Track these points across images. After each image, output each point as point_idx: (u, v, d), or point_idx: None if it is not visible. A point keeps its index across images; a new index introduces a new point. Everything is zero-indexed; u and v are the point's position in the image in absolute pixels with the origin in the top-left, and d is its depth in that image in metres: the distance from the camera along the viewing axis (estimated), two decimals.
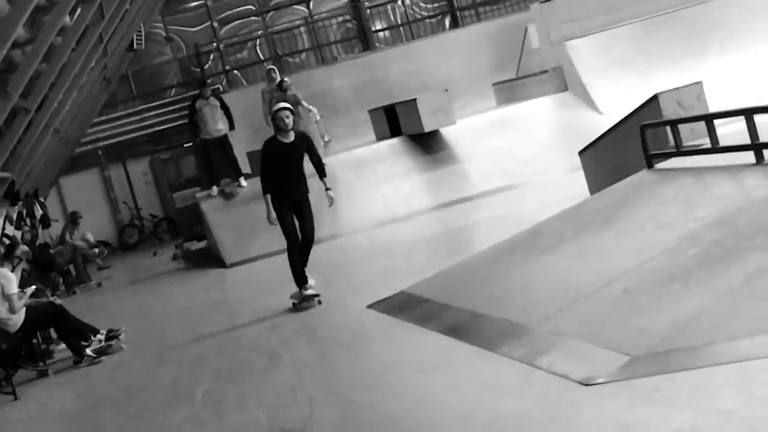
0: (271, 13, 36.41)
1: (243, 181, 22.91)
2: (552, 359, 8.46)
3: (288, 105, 13.91)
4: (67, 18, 18.31)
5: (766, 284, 7.99)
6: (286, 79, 24.97)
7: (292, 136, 13.71)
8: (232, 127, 23.05)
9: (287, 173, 13.70)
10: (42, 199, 26.79)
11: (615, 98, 22.62)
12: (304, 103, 24.26)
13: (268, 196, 13.69)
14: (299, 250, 13.90)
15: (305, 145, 13.92)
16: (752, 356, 7.10)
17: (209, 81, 24.38)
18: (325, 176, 14.13)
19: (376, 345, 10.90)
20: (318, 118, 24.86)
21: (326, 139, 25.14)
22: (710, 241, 9.19)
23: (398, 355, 10.30)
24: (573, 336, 8.75)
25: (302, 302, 13.72)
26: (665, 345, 7.81)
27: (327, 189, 14.07)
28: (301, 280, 13.81)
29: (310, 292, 13.74)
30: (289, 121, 13.58)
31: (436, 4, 36.59)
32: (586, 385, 7.69)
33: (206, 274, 21.48)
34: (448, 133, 23.89)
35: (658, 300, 8.62)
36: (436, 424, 7.90)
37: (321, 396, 9.44)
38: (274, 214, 13.65)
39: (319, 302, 13.73)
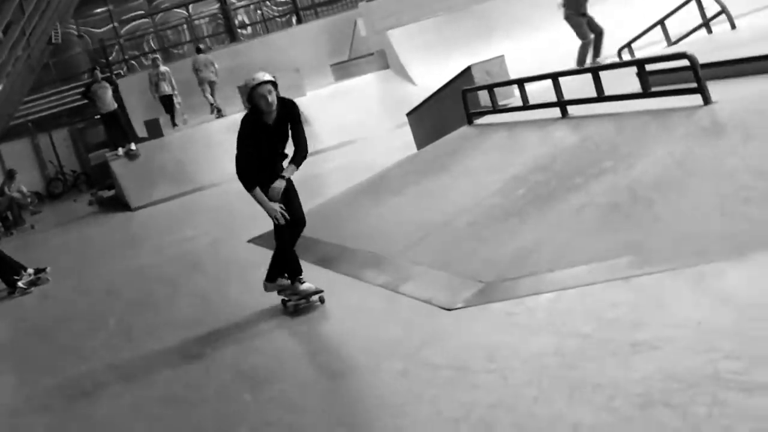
0: (159, 14, 34.80)
1: (133, 146, 21.40)
2: (413, 287, 7.18)
3: (270, 77, 7.21)
4: None
5: (591, 218, 6.84)
6: (201, 45, 25.04)
7: (275, 115, 7.25)
8: (117, 101, 21.79)
9: (272, 158, 7.40)
10: None
11: (425, 73, 22.35)
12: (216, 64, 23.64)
13: (258, 193, 7.29)
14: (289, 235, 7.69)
15: (290, 116, 7.35)
16: (592, 281, 5.94)
17: (96, 68, 22.79)
18: (298, 166, 7.39)
19: (260, 275, 9.45)
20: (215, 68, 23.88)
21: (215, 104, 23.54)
22: (535, 183, 8.01)
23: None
24: (429, 266, 7.48)
25: (301, 300, 7.58)
26: (512, 273, 6.60)
27: (282, 177, 7.32)
28: (295, 271, 7.71)
29: (308, 286, 7.61)
30: (273, 98, 7.13)
31: (284, 7, 35.36)
32: (448, 309, 6.43)
33: (116, 217, 19.77)
34: (300, 102, 22.38)
35: (498, 233, 7.41)
36: (319, 349, 6.57)
37: (219, 324, 7.99)
38: (276, 205, 7.32)
39: (322, 300, 7.57)
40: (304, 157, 7.39)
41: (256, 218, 9.90)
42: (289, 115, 7.34)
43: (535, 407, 4.48)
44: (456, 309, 6.38)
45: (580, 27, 13.50)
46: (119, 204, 21.00)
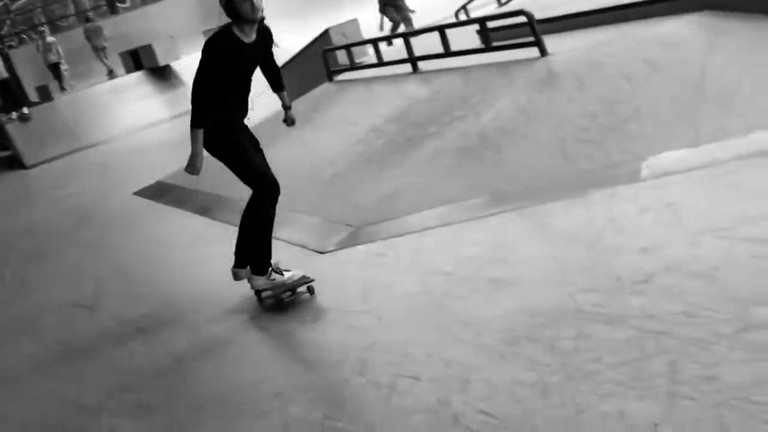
0: None
1: (25, 109, 19.85)
2: (288, 232, 6.64)
3: None
4: None
5: (447, 163, 6.46)
6: (89, 15, 23.86)
7: (254, 34, 4.88)
8: (9, 69, 20.24)
9: (244, 88, 5.02)
10: None
11: (287, 37, 21.19)
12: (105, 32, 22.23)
13: (200, 133, 4.96)
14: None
15: (269, 39, 5.12)
16: (449, 221, 5.56)
17: None
18: (284, 89, 5.59)
19: (146, 226, 8.72)
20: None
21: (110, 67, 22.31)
22: (393, 133, 7.56)
23: (164, 234, 8.16)
24: (302, 212, 6.95)
25: (285, 292, 5.12)
26: (378, 216, 6.16)
27: (288, 107, 5.70)
28: (269, 256, 5.25)
29: (290, 275, 5.18)
30: (259, 4, 4.78)
31: None
32: (321, 253, 5.95)
33: (13, 175, 18.28)
34: (175, 65, 21.76)
35: (364, 180, 6.95)
36: (203, 293, 5.94)
37: (105, 273, 7.24)
38: (201, 157, 5.12)
39: (311, 290, 5.15)
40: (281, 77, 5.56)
41: (141, 173, 9.16)
42: (267, 38, 5.08)
43: (409, 346, 4.06)
44: (329, 252, 5.91)
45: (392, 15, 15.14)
46: (15, 163, 19.60)
